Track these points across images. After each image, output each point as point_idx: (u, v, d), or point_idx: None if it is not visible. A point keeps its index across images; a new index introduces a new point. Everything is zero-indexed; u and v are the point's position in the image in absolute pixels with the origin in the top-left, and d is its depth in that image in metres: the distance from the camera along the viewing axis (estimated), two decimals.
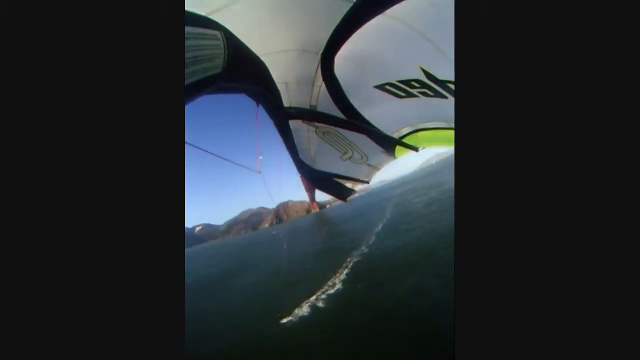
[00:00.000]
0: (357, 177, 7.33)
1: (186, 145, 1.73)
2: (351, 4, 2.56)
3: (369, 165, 6.79)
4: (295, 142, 5.67)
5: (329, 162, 6.54)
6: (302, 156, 6.26)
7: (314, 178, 7.10)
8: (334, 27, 2.86)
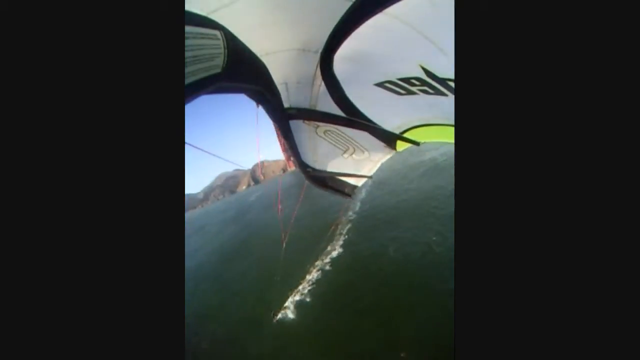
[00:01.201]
0: (359, 173, 7.33)
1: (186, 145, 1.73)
2: (351, 3, 2.56)
3: (371, 160, 6.80)
4: (297, 143, 5.67)
5: (332, 161, 6.54)
6: (304, 157, 6.25)
7: (318, 178, 7.08)
8: (333, 26, 2.86)
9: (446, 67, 2.75)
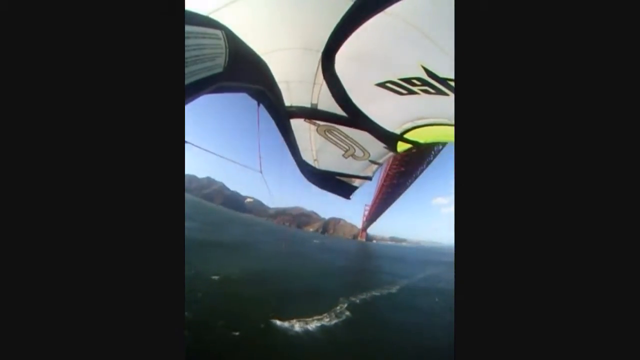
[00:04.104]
0: (358, 173, 7.31)
1: (186, 145, 1.74)
2: (352, 2, 2.55)
3: (370, 161, 6.78)
4: (297, 141, 5.68)
5: (331, 161, 6.53)
6: (304, 156, 6.26)
7: (317, 177, 7.08)
8: (334, 25, 2.85)
9: (447, 67, 2.74)
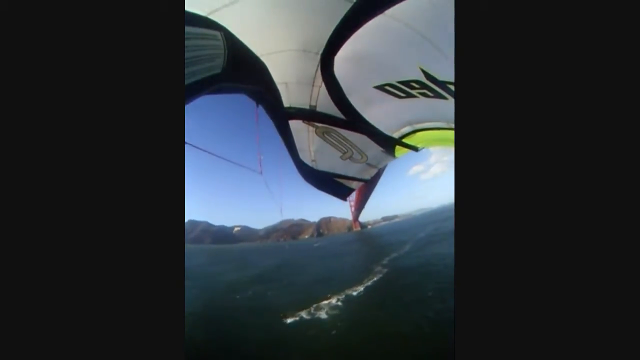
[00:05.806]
0: (356, 176, 7.34)
1: (187, 146, 1.73)
2: (351, 4, 2.56)
3: (368, 164, 6.80)
4: (295, 142, 5.69)
5: (329, 162, 6.55)
6: (302, 156, 6.28)
7: (314, 178, 7.10)
8: (334, 27, 2.86)
9: (447, 70, 2.75)
